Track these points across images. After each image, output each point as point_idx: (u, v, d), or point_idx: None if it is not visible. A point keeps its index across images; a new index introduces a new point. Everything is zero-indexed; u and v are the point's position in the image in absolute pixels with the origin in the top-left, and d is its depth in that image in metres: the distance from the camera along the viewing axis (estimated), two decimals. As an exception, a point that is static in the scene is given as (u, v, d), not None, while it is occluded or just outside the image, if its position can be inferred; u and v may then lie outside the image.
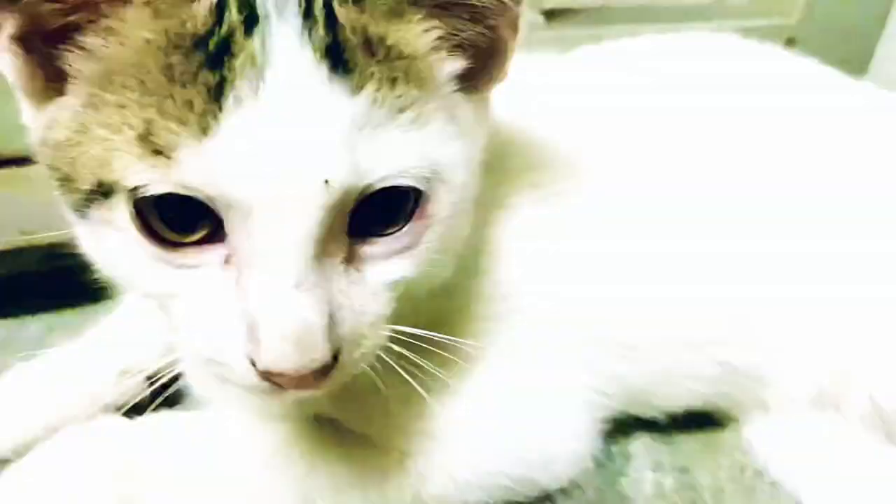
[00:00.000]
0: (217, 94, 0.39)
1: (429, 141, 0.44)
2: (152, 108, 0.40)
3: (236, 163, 0.39)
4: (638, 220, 0.63)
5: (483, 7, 0.47)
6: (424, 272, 0.48)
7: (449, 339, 0.51)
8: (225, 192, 0.40)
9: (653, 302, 0.63)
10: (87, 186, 0.43)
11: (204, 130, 0.39)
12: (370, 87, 0.42)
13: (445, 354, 0.52)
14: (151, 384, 0.55)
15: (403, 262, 0.46)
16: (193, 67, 0.40)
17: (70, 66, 0.44)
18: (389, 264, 0.46)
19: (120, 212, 0.42)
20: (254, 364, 0.42)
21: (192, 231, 0.43)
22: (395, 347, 0.48)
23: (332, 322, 0.42)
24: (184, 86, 0.40)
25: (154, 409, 0.58)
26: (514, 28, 0.49)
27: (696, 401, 0.69)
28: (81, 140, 0.43)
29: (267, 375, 0.42)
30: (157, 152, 0.40)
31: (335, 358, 0.43)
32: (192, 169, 0.40)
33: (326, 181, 0.40)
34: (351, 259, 0.45)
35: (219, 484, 0.57)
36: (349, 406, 0.57)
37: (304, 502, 0.57)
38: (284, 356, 0.41)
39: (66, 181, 0.44)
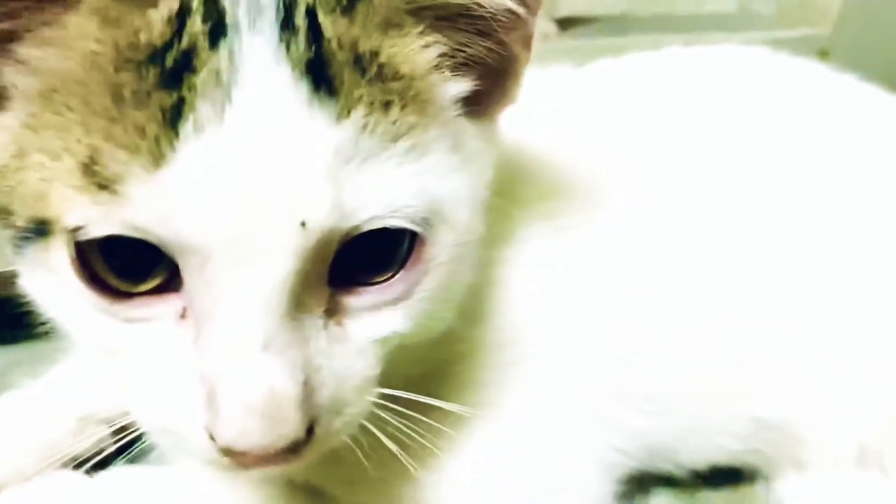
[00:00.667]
0: (174, 117, 0.34)
1: (428, 174, 0.39)
2: (98, 133, 0.34)
3: (194, 199, 0.34)
4: (663, 258, 0.57)
5: (492, 19, 0.41)
6: (420, 325, 0.42)
7: (444, 406, 0.44)
8: (180, 234, 0.34)
9: (678, 349, 0.57)
10: (21, 223, 0.37)
11: (157, 161, 0.34)
12: (359, 112, 0.36)
13: (440, 412, 0.45)
14: (116, 434, 0.49)
15: (395, 315, 0.40)
16: (147, 86, 0.34)
17: (4, 79, 0.38)
18: (378, 318, 0.40)
19: (57, 253, 0.37)
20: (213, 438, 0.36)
21: (143, 279, 0.37)
22: (383, 414, 0.42)
23: (307, 389, 0.36)
24: (135, 107, 0.34)
25: (120, 463, 0.52)
26: (527, 45, 0.44)
27: (724, 457, 0.62)
28: (20, 167, 0.37)
29: (228, 452, 0.36)
30: (102, 186, 0.34)
31: (310, 430, 0.37)
32: (141, 205, 0.34)
33: (303, 223, 0.34)
34: (332, 312, 0.39)
35: None
36: (328, 471, 0.50)
37: None
38: (247, 431, 0.35)
39: (3, 213, 0.38)
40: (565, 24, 0.90)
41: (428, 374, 0.46)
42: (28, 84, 0.37)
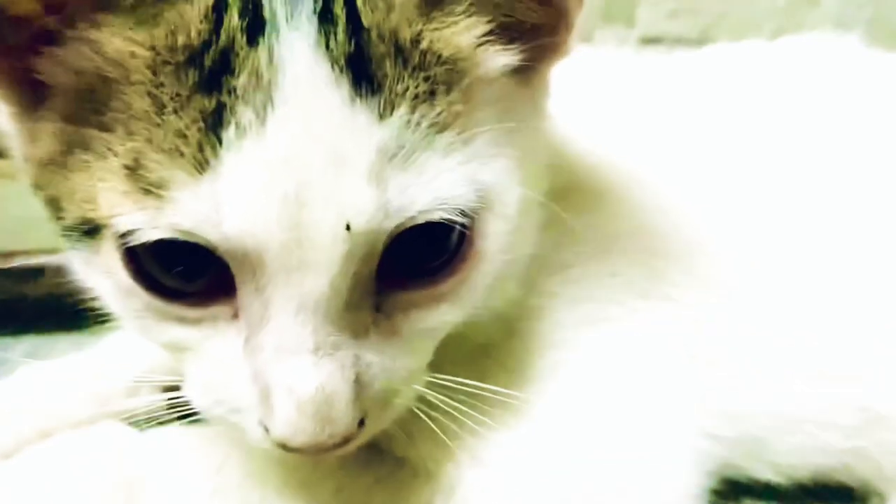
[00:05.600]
0: (215, 123, 0.33)
1: (474, 160, 0.37)
2: (139, 136, 0.34)
3: (240, 206, 0.33)
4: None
5: None
6: (470, 314, 0.42)
7: (493, 390, 0.43)
8: (229, 239, 0.34)
9: (779, 317, 0.52)
10: (70, 221, 0.37)
11: (201, 166, 0.34)
12: (402, 108, 0.35)
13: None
14: (170, 397, 0.47)
15: (444, 308, 0.40)
16: (186, 90, 0.34)
17: (44, 75, 0.37)
18: (428, 312, 0.40)
19: (108, 255, 0.37)
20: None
21: (197, 280, 0.37)
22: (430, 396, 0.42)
23: (357, 386, 0.37)
24: (175, 112, 0.34)
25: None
26: None
27: (827, 461, 0.55)
28: (66, 162, 0.37)
29: (282, 445, 0.37)
30: (147, 191, 0.34)
31: (360, 422, 0.38)
32: (188, 210, 0.34)
33: (347, 226, 0.34)
34: (382, 308, 0.38)
35: None
36: None
37: None
38: (300, 431, 0.36)
39: (52, 205, 0.39)
40: (646, 42, 0.90)
41: (476, 353, 0.46)
42: (68, 81, 0.36)
